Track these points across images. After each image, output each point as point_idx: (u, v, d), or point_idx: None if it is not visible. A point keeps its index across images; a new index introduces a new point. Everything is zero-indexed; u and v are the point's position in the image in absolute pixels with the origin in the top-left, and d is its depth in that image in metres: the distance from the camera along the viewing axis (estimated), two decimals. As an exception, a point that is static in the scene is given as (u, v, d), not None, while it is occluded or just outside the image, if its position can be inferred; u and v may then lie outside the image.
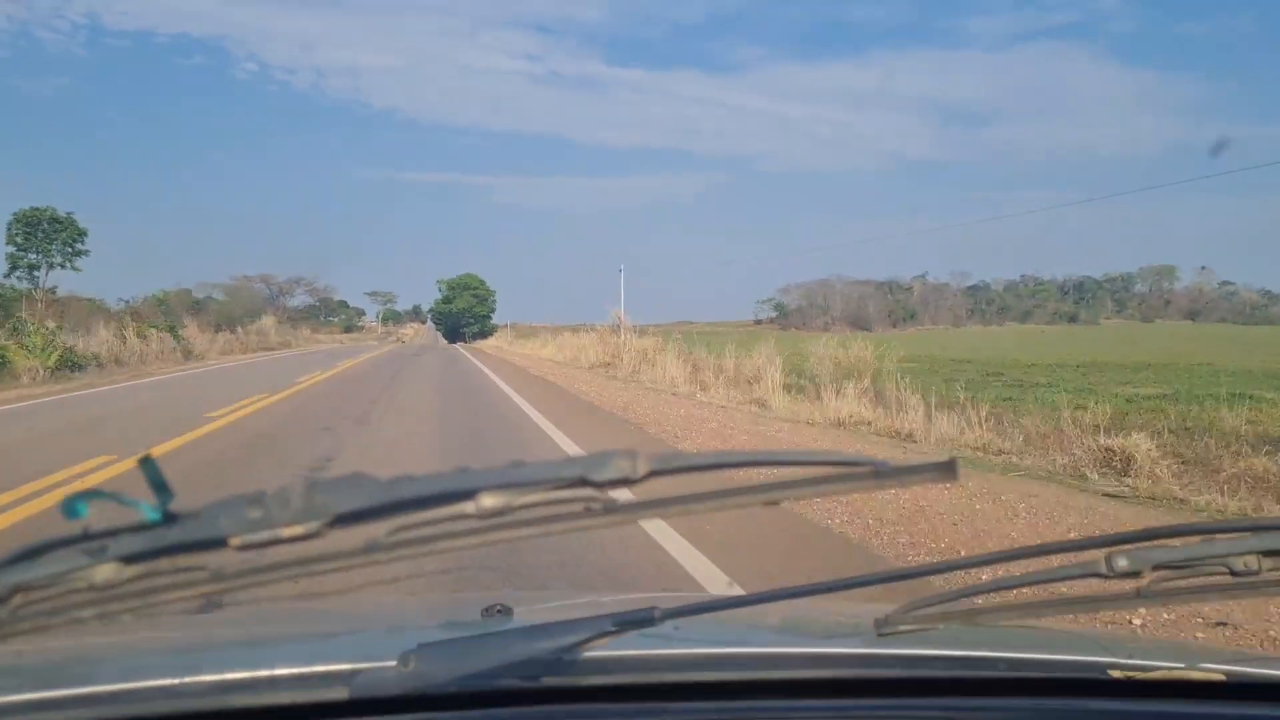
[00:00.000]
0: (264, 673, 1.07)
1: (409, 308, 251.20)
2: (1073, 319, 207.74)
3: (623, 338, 28.89)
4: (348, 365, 31.60)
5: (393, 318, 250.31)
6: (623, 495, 0.70)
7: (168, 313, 49.40)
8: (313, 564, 0.68)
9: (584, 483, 0.68)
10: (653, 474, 0.68)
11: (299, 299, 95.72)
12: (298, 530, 0.64)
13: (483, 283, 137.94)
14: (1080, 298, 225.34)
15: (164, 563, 0.67)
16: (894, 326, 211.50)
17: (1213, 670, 1.22)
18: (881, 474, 0.72)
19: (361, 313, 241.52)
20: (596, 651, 1.04)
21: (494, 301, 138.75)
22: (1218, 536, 1.00)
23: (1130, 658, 1.26)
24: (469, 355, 46.26)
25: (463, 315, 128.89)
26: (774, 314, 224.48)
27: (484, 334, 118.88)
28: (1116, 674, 1.21)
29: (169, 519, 0.66)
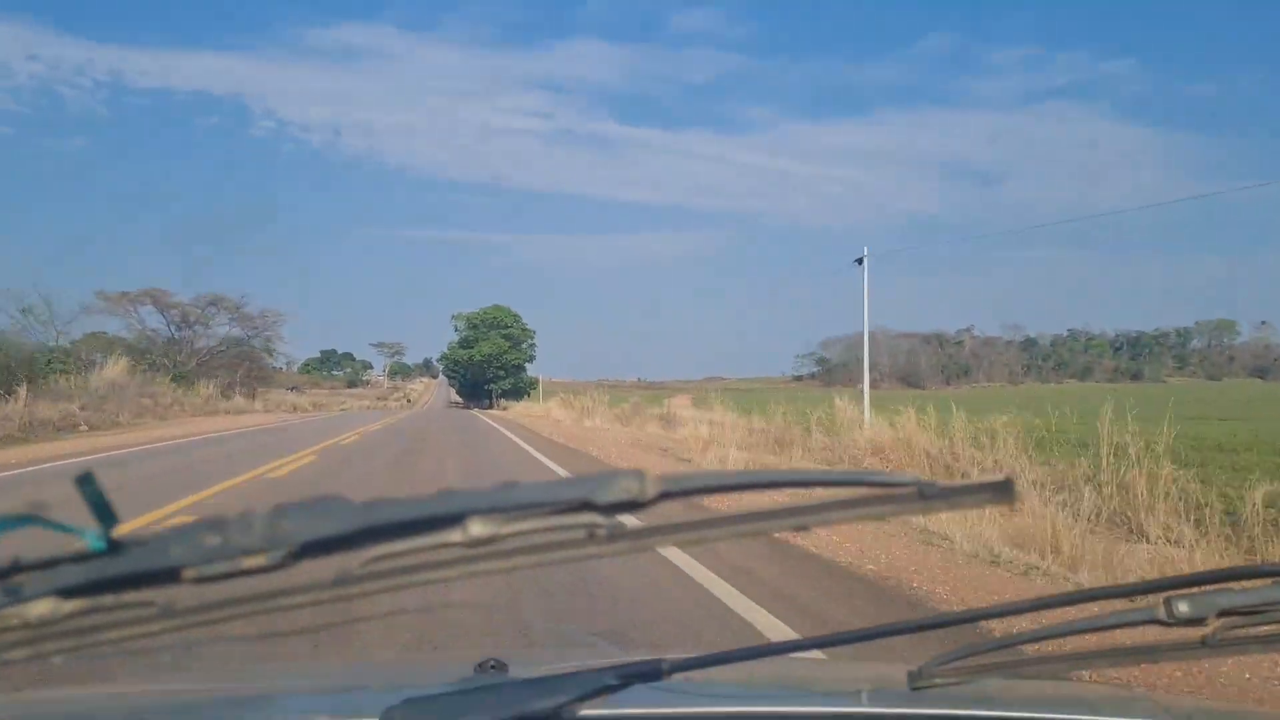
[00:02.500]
0: None
1: (419, 361, 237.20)
2: (1135, 376, 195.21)
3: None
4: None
5: (401, 371, 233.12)
6: (630, 520, 0.62)
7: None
8: (277, 598, 0.60)
9: (587, 506, 0.60)
10: (664, 495, 0.60)
11: (222, 329, 60.18)
12: (260, 560, 0.56)
13: (517, 318, 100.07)
14: (1136, 354, 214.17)
15: (108, 597, 0.58)
16: (947, 383, 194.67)
17: None
18: (928, 495, 0.64)
19: (368, 366, 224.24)
20: (596, 709, 0.94)
21: (531, 346, 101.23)
22: None
23: None
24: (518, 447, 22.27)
25: (488, 365, 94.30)
26: (815, 369, 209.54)
27: (517, 391, 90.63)
28: None
29: (114, 547, 0.57)
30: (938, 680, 1.01)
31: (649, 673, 0.94)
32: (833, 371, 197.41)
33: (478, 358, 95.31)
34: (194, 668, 1.63)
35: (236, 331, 58.75)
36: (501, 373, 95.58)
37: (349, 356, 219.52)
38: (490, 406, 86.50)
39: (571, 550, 0.61)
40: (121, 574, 0.57)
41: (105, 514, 0.59)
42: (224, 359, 56.05)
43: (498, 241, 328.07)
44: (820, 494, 0.65)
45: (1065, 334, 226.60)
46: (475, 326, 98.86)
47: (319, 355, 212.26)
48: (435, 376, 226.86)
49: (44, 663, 0.59)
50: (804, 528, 0.65)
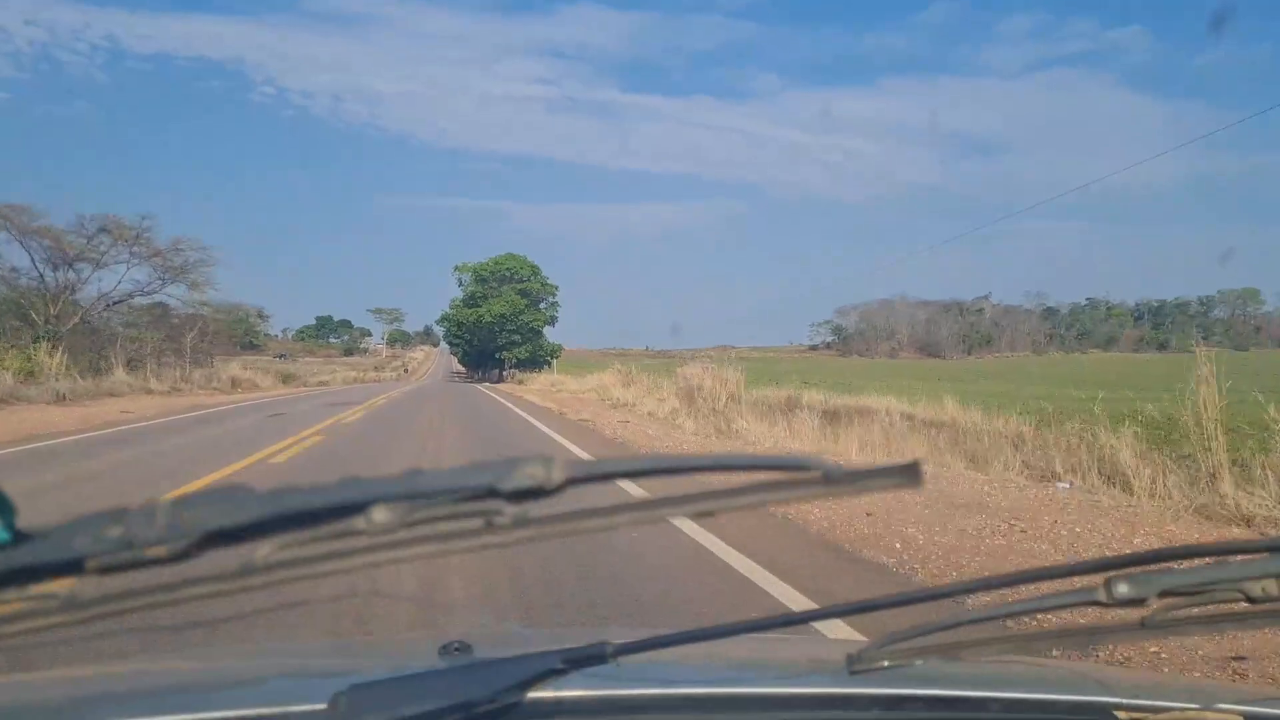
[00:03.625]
0: (190, 716, 1.02)
1: (420, 329, 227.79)
2: (1162, 346, 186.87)
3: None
4: None
5: (401, 339, 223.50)
6: (536, 508, 0.62)
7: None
8: (181, 589, 0.59)
9: (491, 493, 0.60)
10: (570, 482, 0.60)
11: (127, 274, 35.24)
12: (162, 551, 0.56)
13: (535, 271, 77.85)
14: (1158, 323, 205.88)
15: (10, 590, 0.58)
16: (968, 353, 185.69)
17: (1230, 711, 1.14)
18: (833, 479, 0.64)
19: (366, 333, 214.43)
20: (543, 692, 0.96)
21: (553, 306, 79.38)
22: (1232, 558, 0.88)
23: (1136, 697, 1.17)
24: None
25: (499, 329, 73.63)
26: (831, 338, 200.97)
27: (534, 361, 71.78)
28: (1122, 715, 1.12)
29: (17, 538, 0.58)
30: (878, 663, 1.00)
31: (594, 656, 0.95)
32: (849, 340, 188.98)
33: (486, 319, 73.06)
34: (132, 655, 1.54)
35: (146, 273, 35.87)
36: (516, 338, 74.08)
37: (346, 324, 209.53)
38: (500, 379, 70.24)
39: (473, 539, 0.61)
40: (24, 565, 0.56)
41: (4, 506, 0.58)
42: (134, 316, 36.76)
43: (500, 209, 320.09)
44: (728, 478, 0.63)
45: (1084, 302, 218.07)
46: (483, 281, 76.99)
47: (314, 322, 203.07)
48: (436, 344, 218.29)
49: None
50: (709, 513, 0.65)
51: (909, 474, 0.64)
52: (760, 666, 1.41)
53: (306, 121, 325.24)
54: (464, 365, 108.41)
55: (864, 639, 1.07)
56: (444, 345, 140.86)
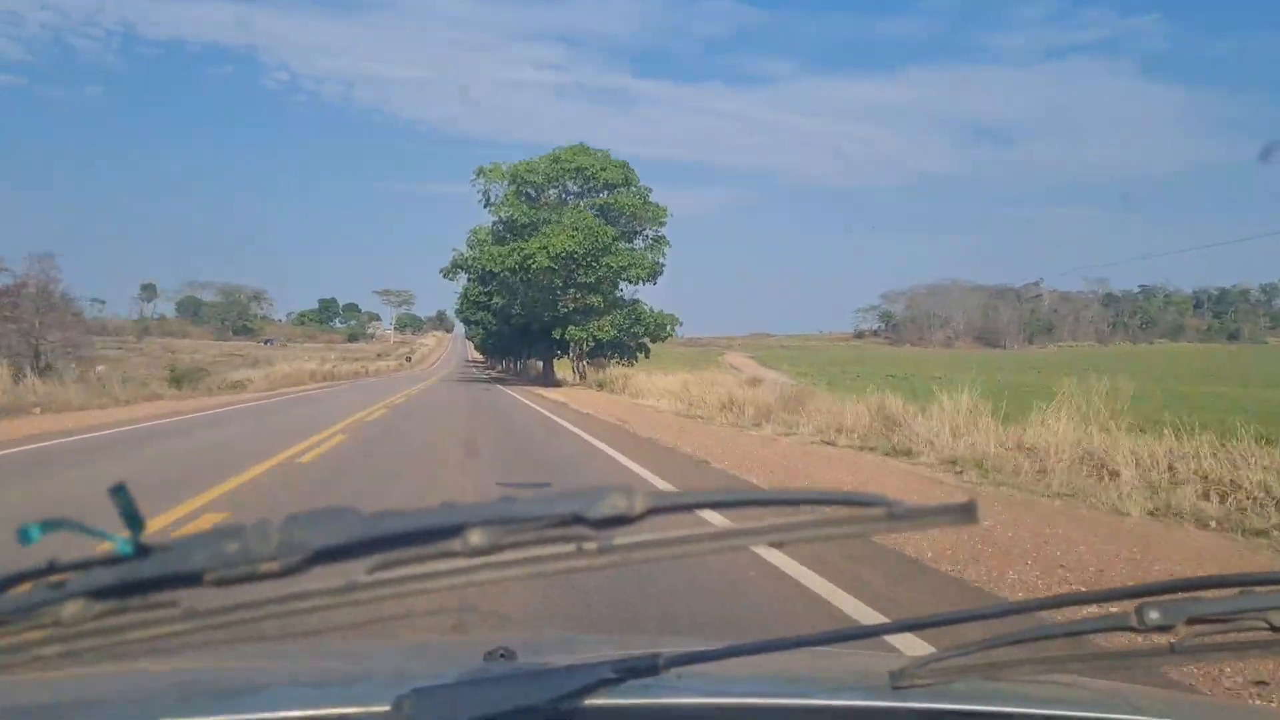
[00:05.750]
0: (242, 716, 1.04)
1: (432, 314, 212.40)
2: (1233, 336, 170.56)
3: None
4: None
5: (411, 323, 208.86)
6: (620, 535, 0.66)
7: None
8: (290, 602, 0.63)
9: (578, 520, 0.64)
10: (651, 511, 0.64)
11: None
12: (275, 566, 0.60)
13: (627, 173, 44.04)
14: (1220, 311, 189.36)
15: (135, 599, 0.62)
16: (1029, 342, 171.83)
17: None
18: (896, 515, 0.68)
19: (374, 317, 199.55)
20: (596, 700, 0.97)
21: (659, 242, 44.80)
22: (1257, 589, 0.94)
23: (1168, 716, 1.24)
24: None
25: (560, 283, 41.15)
26: (879, 325, 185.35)
27: (622, 348, 44.59)
28: None
29: (141, 551, 0.61)
30: (918, 681, 1.05)
31: (645, 668, 0.98)
32: (899, 328, 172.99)
33: (540, 263, 39.47)
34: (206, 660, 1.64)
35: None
36: (594, 300, 41.64)
37: (353, 307, 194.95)
38: (551, 380, 46.06)
39: (562, 563, 0.64)
40: (148, 577, 0.60)
41: (134, 521, 0.63)
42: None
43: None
44: (798, 513, 0.68)
45: (1138, 290, 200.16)
46: (530, 195, 44.07)
47: (316, 306, 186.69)
48: (450, 330, 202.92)
49: (77, 659, 0.62)
50: (779, 545, 0.69)
51: (965, 512, 0.68)
52: (806, 679, 1.46)
53: (317, 106, 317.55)
54: (485, 352, 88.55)
55: (910, 654, 1.11)
56: (459, 329, 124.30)
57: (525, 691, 0.93)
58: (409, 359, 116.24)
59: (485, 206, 45.06)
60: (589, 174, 43.30)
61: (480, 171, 44.85)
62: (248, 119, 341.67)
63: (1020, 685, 1.27)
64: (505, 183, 44.06)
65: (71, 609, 0.61)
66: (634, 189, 44.05)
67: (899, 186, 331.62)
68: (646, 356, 45.53)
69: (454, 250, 49.19)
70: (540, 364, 53.32)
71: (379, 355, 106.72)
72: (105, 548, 0.62)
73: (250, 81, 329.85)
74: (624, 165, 44.33)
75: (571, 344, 44.04)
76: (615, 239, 41.49)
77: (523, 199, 43.97)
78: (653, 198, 44.23)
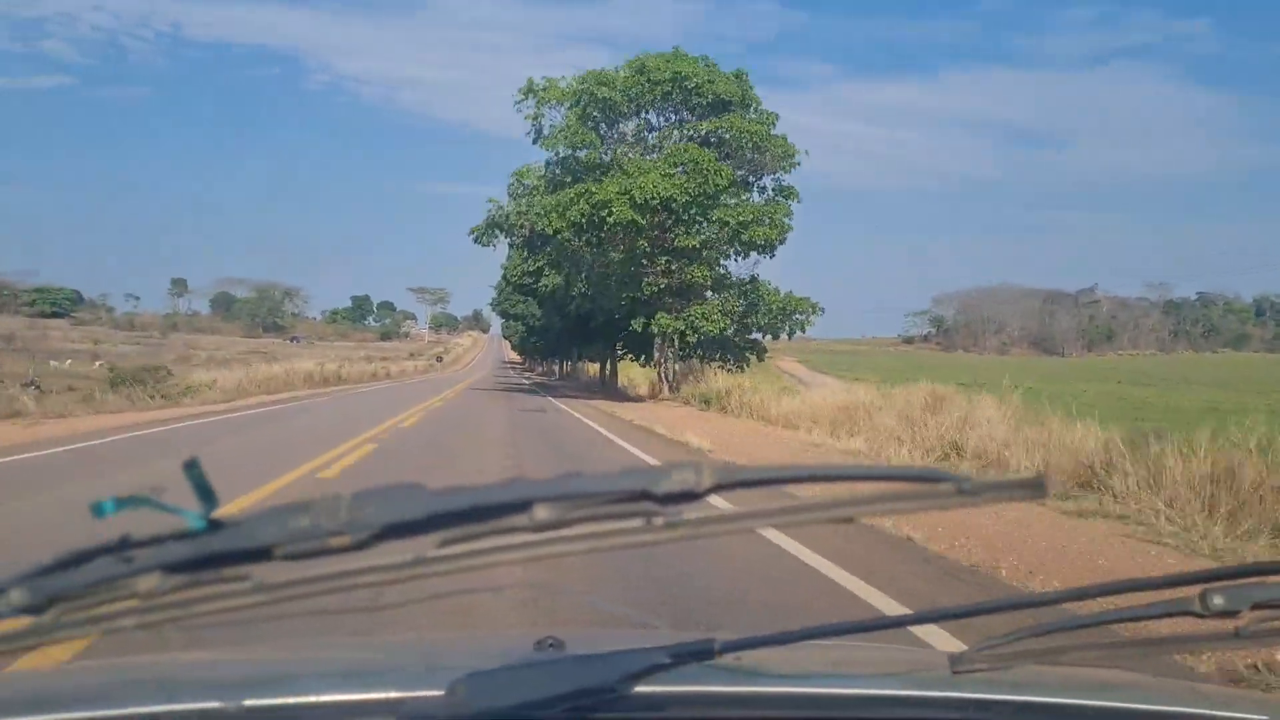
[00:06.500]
0: (310, 699, 1.04)
1: (468, 314, 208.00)
2: None
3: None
4: None
5: (447, 323, 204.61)
6: (686, 510, 0.66)
7: None
8: (359, 576, 0.64)
9: (644, 496, 0.64)
10: (718, 487, 0.64)
11: None
12: (344, 541, 0.61)
13: (743, 86, 29.38)
14: None
15: (207, 572, 0.63)
16: (1089, 349, 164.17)
17: None
18: (965, 491, 0.68)
19: (409, 316, 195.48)
20: (650, 686, 0.97)
21: (785, 195, 29.94)
22: None
23: (1232, 710, 1.20)
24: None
25: (646, 257, 28.72)
26: (929, 330, 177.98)
27: (726, 347, 30.47)
28: None
29: (213, 526, 0.63)
30: (978, 665, 1.05)
31: (701, 652, 0.98)
32: (950, 333, 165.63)
33: (614, 221, 26.80)
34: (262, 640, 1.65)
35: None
36: (697, 276, 29.01)
37: (388, 305, 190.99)
38: (617, 393, 34.84)
39: (629, 537, 0.65)
40: (220, 551, 0.62)
41: (207, 496, 0.64)
42: None
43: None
44: (865, 487, 0.68)
45: (1195, 297, 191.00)
46: (595, 119, 29.70)
47: (350, 303, 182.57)
48: (485, 330, 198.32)
49: (152, 631, 0.64)
50: (849, 519, 0.68)
51: (1035, 487, 0.67)
52: (860, 666, 1.45)
53: (357, 108, 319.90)
54: (522, 352, 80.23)
55: (961, 645, 1.08)
56: (495, 329, 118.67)
57: (580, 675, 0.93)
58: (440, 359, 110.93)
59: (535, 142, 30.32)
60: (691, 87, 28.35)
61: (529, 89, 29.95)
62: (291, 121, 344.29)
63: (1080, 673, 1.28)
64: (567, 105, 29.45)
65: (147, 582, 0.62)
66: (755, 113, 29.60)
67: (939, 191, 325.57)
68: (759, 360, 32.32)
69: (490, 203, 34.60)
70: (596, 367, 43.23)
71: (411, 355, 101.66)
72: (181, 523, 0.64)
73: (293, 83, 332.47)
74: (740, 76, 29.79)
75: (658, 339, 30.18)
76: (731, 184, 27.61)
77: (591, 127, 29.28)
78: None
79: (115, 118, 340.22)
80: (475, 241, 35.03)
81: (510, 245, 37.15)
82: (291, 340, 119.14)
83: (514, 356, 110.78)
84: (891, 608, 5.06)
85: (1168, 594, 0.94)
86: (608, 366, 42.22)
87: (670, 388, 29.79)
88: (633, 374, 40.02)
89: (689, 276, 28.80)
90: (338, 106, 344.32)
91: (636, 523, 0.64)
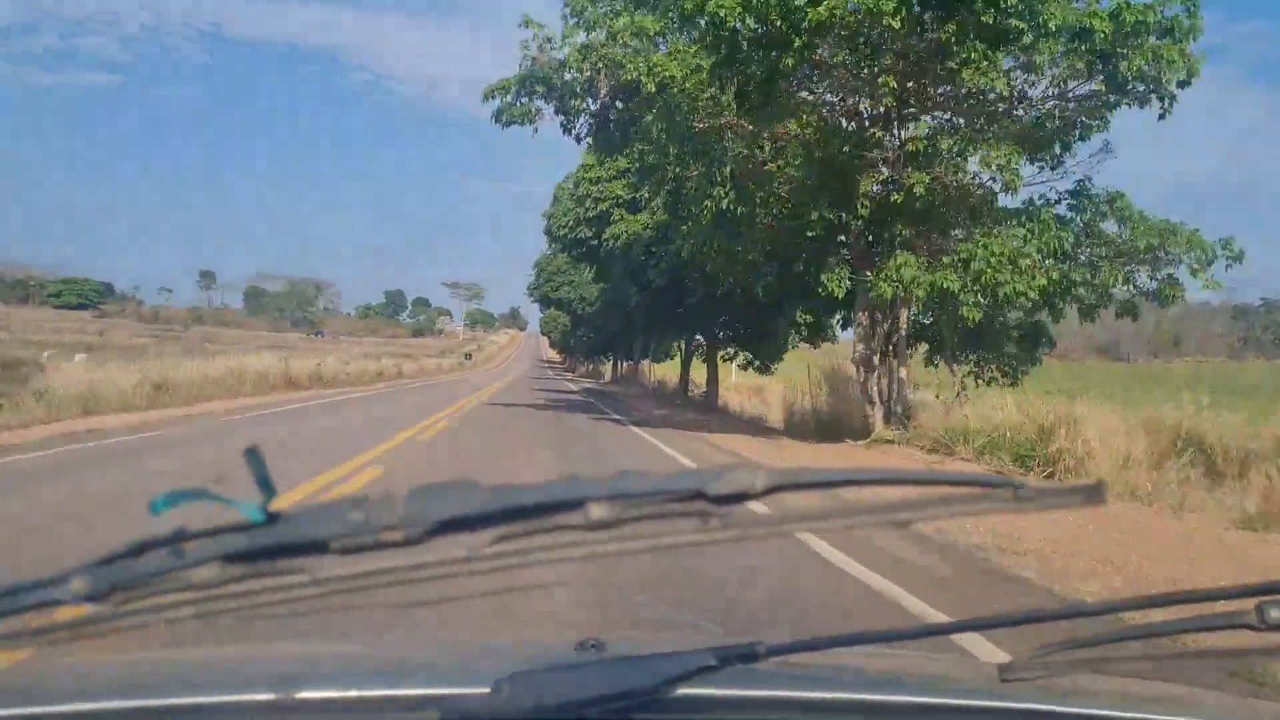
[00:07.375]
0: (354, 693, 1.05)
1: (505, 311, 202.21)
2: None
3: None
4: None
5: (483, 320, 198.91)
6: (741, 511, 0.66)
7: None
8: (413, 571, 0.65)
9: (699, 496, 0.64)
10: (774, 489, 0.64)
11: None
12: (398, 536, 0.61)
13: None
14: None
15: (264, 564, 0.64)
16: (1155, 355, 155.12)
17: None
18: (1022, 497, 0.68)
19: (444, 312, 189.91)
20: (693, 689, 0.97)
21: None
22: None
23: None
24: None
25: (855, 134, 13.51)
26: None
27: (1014, 354, 16.95)
28: None
29: (270, 519, 0.63)
30: (1027, 674, 1.03)
31: (745, 655, 0.96)
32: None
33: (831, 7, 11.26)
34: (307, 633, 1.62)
35: None
36: (995, 175, 12.90)
37: (423, 301, 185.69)
38: (713, 414, 23.35)
39: (683, 536, 0.65)
40: (277, 544, 0.62)
41: (266, 488, 0.65)
42: None
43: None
44: (921, 491, 0.68)
45: (1259, 303, 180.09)
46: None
47: (383, 299, 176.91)
48: (523, 328, 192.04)
49: (209, 621, 0.64)
50: (905, 524, 0.68)
51: (1093, 494, 0.67)
52: (907, 674, 1.43)
53: (399, 105, 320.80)
54: (563, 350, 69.85)
55: (1006, 656, 1.07)
56: (533, 326, 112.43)
57: (624, 676, 0.93)
58: (469, 355, 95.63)
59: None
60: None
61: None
62: (335, 115, 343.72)
63: (1131, 684, 1.25)
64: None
65: (205, 573, 0.62)
66: None
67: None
68: (1038, 365, 18.44)
69: (528, 28, 19.91)
70: (661, 368, 28.96)
71: (442, 352, 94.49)
72: (239, 516, 0.65)
73: (336, 80, 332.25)
74: None
75: (868, 313, 15.54)
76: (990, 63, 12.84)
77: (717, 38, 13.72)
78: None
79: (160, 115, 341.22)
80: (496, 120, 20.54)
81: (563, 127, 20.71)
82: (316, 335, 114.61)
83: (553, 355, 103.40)
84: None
85: (1223, 606, 0.92)
86: (689, 367, 26.88)
87: (896, 417, 15.06)
88: (730, 382, 25.97)
89: (965, 178, 13.89)
90: (382, 104, 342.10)
91: (691, 523, 0.64)
